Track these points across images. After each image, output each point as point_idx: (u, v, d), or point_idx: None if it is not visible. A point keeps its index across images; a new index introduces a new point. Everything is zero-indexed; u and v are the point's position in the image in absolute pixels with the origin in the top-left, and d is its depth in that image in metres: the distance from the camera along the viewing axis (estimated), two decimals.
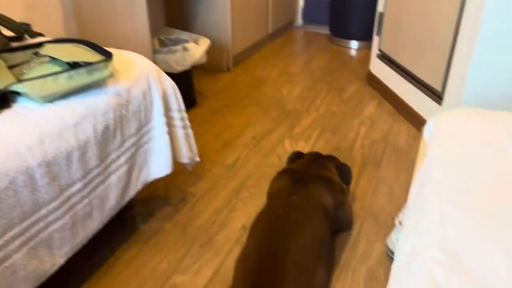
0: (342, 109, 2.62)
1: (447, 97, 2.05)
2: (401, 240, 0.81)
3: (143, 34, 2.35)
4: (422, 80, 2.26)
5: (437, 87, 2.12)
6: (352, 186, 1.91)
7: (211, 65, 3.18)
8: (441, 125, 1.11)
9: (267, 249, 1.28)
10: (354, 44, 3.70)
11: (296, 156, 1.76)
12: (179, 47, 2.45)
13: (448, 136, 1.04)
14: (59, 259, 1.24)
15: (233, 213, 1.76)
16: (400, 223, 1.53)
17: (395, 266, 0.77)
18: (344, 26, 3.68)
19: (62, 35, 2.46)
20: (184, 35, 2.72)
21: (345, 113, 2.57)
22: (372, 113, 2.56)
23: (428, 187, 0.87)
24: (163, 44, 2.69)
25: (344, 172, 1.68)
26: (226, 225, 1.70)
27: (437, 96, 2.14)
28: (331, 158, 1.73)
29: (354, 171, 2.02)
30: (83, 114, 1.27)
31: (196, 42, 2.62)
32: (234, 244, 1.60)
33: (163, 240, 1.62)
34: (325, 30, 4.14)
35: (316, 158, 1.71)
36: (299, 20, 4.33)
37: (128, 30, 2.37)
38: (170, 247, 1.59)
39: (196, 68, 3.03)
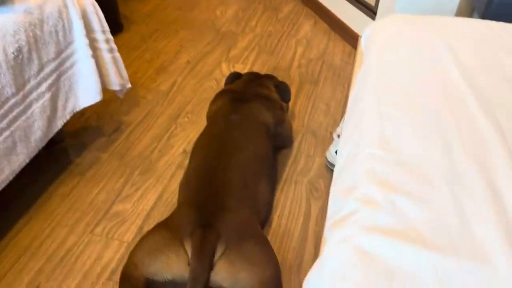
0: (278, 29, 2.56)
1: (380, 11, 2.05)
2: (340, 147, 0.82)
3: None
4: None
5: (370, 1, 2.11)
6: (291, 104, 1.92)
7: None
8: (376, 33, 1.11)
9: (209, 169, 1.27)
10: None
11: (234, 77, 1.72)
12: None
13: (383, 42, 1.04)
14: None
15: (173, 139, 1.72)
16: (339, 136, 1.57)
17: (335, 170, 0.79)
18: None
19: None
20: None
21: (282, 33, 2.51)
22: (308, 32, 2.53)
23: (366, 91, 0.87)
24: None
25: (283, 90, 1.66)
26: (166, 151, 1.66)
27: (370, 11, 2.14)
28: (269, 77, 1.71)
29: (293, 90, 2.01)
30: None
31: None
32: (176, 169, 1.57)
33: (100, 171, 1.56)
34: None
35: (254, 77, 1.67)
36: None
37: None
38: (108, 178, 1.53)
39: None
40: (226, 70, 2.16)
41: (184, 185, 1.29)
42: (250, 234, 1.14)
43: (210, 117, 1.54)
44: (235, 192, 1.22)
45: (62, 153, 1.63)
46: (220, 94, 1.59)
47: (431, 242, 0.59)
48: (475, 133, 0.76)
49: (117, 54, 1.58)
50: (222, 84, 2.04)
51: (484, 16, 1.31)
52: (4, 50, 1.14)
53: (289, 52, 2.33)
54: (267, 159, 1.40)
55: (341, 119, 1.84)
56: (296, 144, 1.71)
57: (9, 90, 1.18)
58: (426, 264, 0.57)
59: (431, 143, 0.74)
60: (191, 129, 1.77)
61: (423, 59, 0.97)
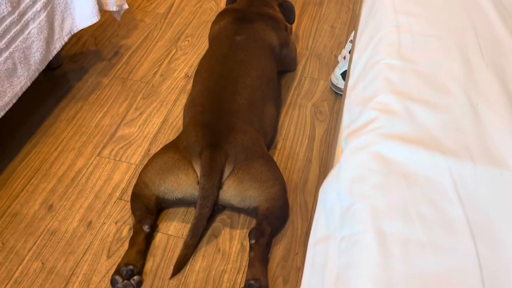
0: None
1: None
2: (355, 59, 0.81)
3: None
4: None
5: None
6: (294, 27, 1.85)
7: None
8: None
9: (215, 91, 1.25)
10: None
11: None
12: None
13: None
14: None
15: (174, 63, 1.68)
16: (344, 57, 1.54)
17: (350, 82, 0.77)
18: None
19: None
20: None
21: None
22: None
23: (382, 2, 0.84)
24: None
25: (288, 10, 1.60)
26: (168, 75, 1.63)
27: None
28: None
29: (296, 11, 1.94)
30: None
31: None
32: (179, 93, 1.55)
33: (103, 95, 1.54)
34: None
35: None
36: None
37: None
38: (111, 102, 1.51)
39: None
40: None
41: (190, 107, 1.28)
42: (257, 154, 1.16)
43: (213, 39, 1.49)
44: (242, 113, 1.21)
45: (62, 78, 1.60)
46: (222, 14, 1.52)
47: (447, 147, 0.60)
48: (494, 42, 0.74)
49: None
50: (222, 5, 1.95)
51: None
52: None
53: None
54: (272, 81, 1.39)
55: (346, 41, 1.79)
56: (300, 67, 1.68)
57: (4, 8, 1.12)
58: (442, 168, 0.58)
59: (448, 53, 0.72)
60: (192, 52, 1.73)
61: None
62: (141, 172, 1.17)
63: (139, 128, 1.43)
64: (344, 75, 1.52)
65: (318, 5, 1.99)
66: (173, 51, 1.73)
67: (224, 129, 1.16)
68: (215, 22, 1.52)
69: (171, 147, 1.18)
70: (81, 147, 1.36)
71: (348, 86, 0.77)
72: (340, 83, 1.54)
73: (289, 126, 1.47)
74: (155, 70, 1.64)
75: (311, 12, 1.95)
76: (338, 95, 1.57)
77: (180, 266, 1.06)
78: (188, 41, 1.78)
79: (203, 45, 1.75)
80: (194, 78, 1.38)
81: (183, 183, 1.12)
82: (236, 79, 1.27)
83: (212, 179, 1.08)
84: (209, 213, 1.08)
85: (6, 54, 1.16)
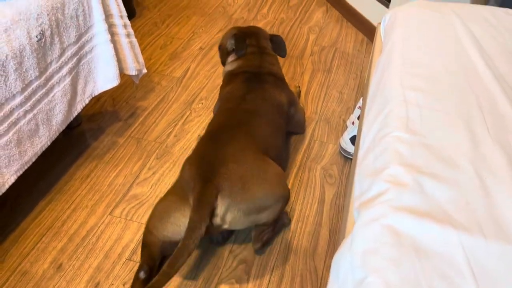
0: (290, 16, 2.55)
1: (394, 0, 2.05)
2: (364, 131, 0.84)
3: None
4: None
5: None
6: (304, 92, 1.93)
7: None
8: (397, 18, 1.11)
9: (215, 133, 1.29)
10: None
11: (240, 41, 1.62)
12: None
13: (404, 27, 1.05)
14: (9, 178, 1.18)
15: (188, 124, 1.74)
16: (353, 123, 1.59)
17: (360, 153, 0.80)
18: None
19: None
20: None
21: (294, 20, 2.51)
22: (320, 19, 2.53)
23: (390, 76, 0.89)
24: None
25: (278, 44, 1.68)
26: (182, 136, 1.68)
27: None
28: (264, 36, 1.68)
29: (305, 78, 2.03)
30: (13, 18, 1.12)
31: None
32: None
33: (118, 154, 1.58)
34: None
35: (257, 48, 1.63)
36: None
37: None
38: (125, 161, 1.55)
39: None
40: None
41: (191, 153, 1.29)
42: (255, 178, 1.13)
43: (225, 96, 1.53)
44: (238, 147, 1.20)
45: (80, 137, 1.65)
46: (232, 76, 1.59)
47: (458, 221, 0.61)
48: (499, 117, 0.77)
49: (134, 39, 1.60)
50: None
51: (502, 1, 1.31)
52: (28, 33, 1.16)
53: (302, 39, 2.33)
54: (277, 134, 1.40)
55: (354, 107, 1.85)
56: (309, 131, 1.73)
57: (32, 73, 1.20)
58: (454, 243, 0.59)
59: (455, 127, 0.76)
60: (206, 115, 1.79)
61: (445, 45, 0.98)
62: (147, 221, 1.19)
63: (151, 188, 1.46)
64: (353, 139, 1.56)
65: (327, 72, 2.08)
66: (188, 113, 1.79)
67: (216, 162, 1.14)
68: (225, 84, 1.59)
69: (170, 191, 1.22)
70: (93, 206, 1.38)
71: (358, 156, 0.80)
72: (349, 147, 1.57)
73: (298, 188, 1.48)
74: (169, 131, 1.69)
75: (320, 78, 2.03)
76: (347, 158, 1.59)
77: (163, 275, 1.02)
78: (202, 103, 1.85)
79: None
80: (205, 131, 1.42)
81: (182, 224, 1.11)
82: (240, 126, 1.29)
83: (199, 212, 1.06)
84: (193, 246, 1.04)
85: (30, 115, 1.22)
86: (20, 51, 1.14)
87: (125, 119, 1.75)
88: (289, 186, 1.48)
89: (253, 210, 1.13)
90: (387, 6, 2.11)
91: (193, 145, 1.63)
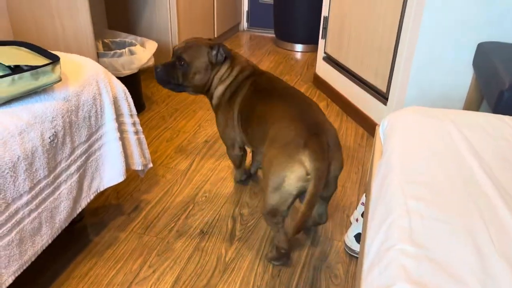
0: None
1: (392, 97, 2.15)
2: (368, 240, 0.84)
3: (86, 36, 2.24)
4: (367, 82, 2.36)
5: (382, 88, 2.22)
6: None
7: None
8: (395, 123, 1.16)
9: (296, 107, 1.40)
10: (299, 47, 3.79)
11: (225, 46, 1.60)
12: (125, 50, 2.36)
13: (403, 133, 1.09)
14: (7, 279, 1.15)
15: (191, 219, 1.73)
16: (357, 220, 1.58)
17: (365, 266, 0.79)
18: (289, 29, 3.75)
19: None
20: (129, 38, 2.63)
21: None
22: None
23: (391, 185, 0.91)
24: (107, 47, 2.58)
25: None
26: (184, 231, 1.66)
27: (382, 96, 2.24)
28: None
29: None
30: (29, 121, 1.18)
31: (143, 45, 2.55)
32: (193, 251, 1.57)
33: (119, 251, 1.55)
34: (270, 34, 4.20)
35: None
36: (244, 24, 4.36)
37: (68, 32, 2.25)
38: (126, 258, 1.52)
39: (144, 73, 2.96)
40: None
41: (277, 119, 1.38)
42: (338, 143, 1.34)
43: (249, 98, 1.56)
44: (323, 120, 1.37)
45: (82, 231, 1.64)
46: (239, 84, 1.61)
47: None
48: (501, 228, 0.77)
49: (142, 136, 1.66)
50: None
51: (495, 107, 1.38)
52: (42, 135, 1.21)
53: None
54: None
55: (357, 202, 1.85)
56: (313, 227, 1.71)
57: (41, 173, 1.23)
58: None
59: (459, 239, 0.75)
60: (209, 209, 1.79)
61: (443, 152, 1.01)
62: (264, 200, 1.36)
63: (151, 286, 1.41)
64: (358, 237, 1.54)
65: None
66: (191, 207, 1.80)
67: (317, 122, 1.31)
68: (236, 91, 1.60)
69: (272, 162, 1.29)
70: None
71: (363, 269, 0.79)
72: (354, 245, 1.54)
73: None
74: (171, 226, 1.68)
75: None
76: (352, 257, 1.56)
77: (298, 230, 1.29)
78: (206, 196, 1.87)
79: (220, 201, 1.83)
80: (239, 112, 1.57)
81: (295, 181, 1.26)
82: (301, 101, 1.45)
83: (326, 160, 1.21)
84: (320, 191, 1.21)
85: (35, 214, 1.23)
86: (32, 152, 1.18)
87: (129, 213, 1.75)
88: (294, 286, 1.43)
89: (339, 165, 1.34)
90: (385, 104, 2.21)
91: (195, 241, 1.61)
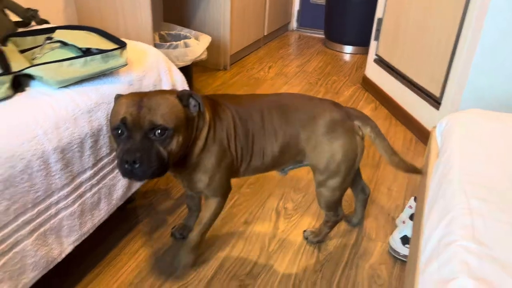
0: None
1: (445, 102, 2.10)
2: (426, 235, 0.83)
3: (145, 28, 2.34)
4: (420, 85, 2.32)
5: (436, 92, 2.17)
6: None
7: (208, 63, 3.18)
8: (454, 124, 1.14)
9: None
10: (348, 49, 3.76)
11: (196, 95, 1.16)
12: (180, 42, 2.44)
13: (463, 134, 1.07)
14: (67, 248, 1.22)
15: (235, 209, 1.76)
16: (404, 222, 1.56)
17: (422, 257, 0.79)
18: (339, 31, 3.73)
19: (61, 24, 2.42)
20: (184, 31, 2.71)
21: None
22: (369, 116, 2.60)
23: (451, 183, 0.89)
24: (163, 39, 2.67)
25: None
26: (229, 220, 1.70)
27: (434, 101, 2.19)
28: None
29: None
30: (97, 101, 1.25)
31: (197, 38, 2.62)
32: (237, 239, 1.60)
33: (166, 233, 1.61)
34: (319, 34, 4.19)
35: None
36: (294, 23, 4.37)
37: (129, 23, 2.35)
38: (173, 240, 1.58)
39: (194, 66, 3.03)
40: None
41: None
42: None
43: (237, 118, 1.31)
44: None
45: (132, 212, 1.71)
46: (217, 120, 1.27)
47: None
48: None
49: None
50: None
51: None
52: (107, 115, 1.28)
53: None
54: None
55: (403, 206, 1.82)
56: (357, 226, 1.70)
57: (104, 150, 1.30)
58: None
59: None
60: (253, 199, 1.82)
61: (505, 154, 0.99)
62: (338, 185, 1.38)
63: (195, 270, 1.45)
64: (404, 239, 1.52)
65: (375, 167, 2.09)
66: (236, 197, 1.83)
67: (324, 100, 1.41)
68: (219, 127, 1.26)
69: (338, 150, 1.33)
70: (138, 283, 1.39)
71: (420, 262, 0.78)
72: (399, 247, 1.53)
73: (345, 286, 1.43)
74: None
75: (368, 173, 2.04)
76: (397, 259, 1.54)
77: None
78: (250, 188, 1.89)
79: (264, 194, 1.85)
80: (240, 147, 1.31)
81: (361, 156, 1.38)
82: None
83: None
84: None
85: (96, 189, 1.30)
86: (98, 130, 1.25)
87: (176, 198, 1.80)
88: (335, 284, 1.43)
89: None
90: (437, 108, 2.16)
91: (239, 230, 1.64)
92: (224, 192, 1.35)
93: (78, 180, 1.22)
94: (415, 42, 2.35)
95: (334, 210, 1.49)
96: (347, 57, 3.67)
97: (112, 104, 1.29)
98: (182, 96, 1.12)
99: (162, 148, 1.07)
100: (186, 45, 2.45)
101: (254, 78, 3.12)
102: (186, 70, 2.50)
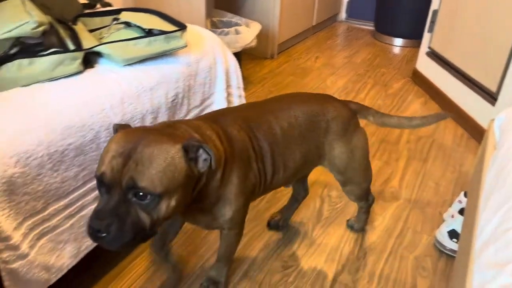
0: (387, 103, 2.62)
1: (502, 98, 2.03)
2: (482, 222, 0.83)
3: (199, 14, 2.40)
4: (475, 80, 2.24)
5: (492, 87, 2.10)
6: (398, 178, 1.92)
7: (256, 52, 3.21)
8: None
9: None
10: (398, 42, 3.67)
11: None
12: (232, 29, 2.48)
13: None
14: None
15: (279, 193, 1.79)
16: (453, 216, 1.53)
17: (478, 243, 0.79)
18: (390, 23, 3.65)
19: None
20: (235, 18, 2.76)
21: (391, 108, 2.57)
22: (418, 110, 2.55)
23: (510, 174, 0.88)
24: (215, 26, 2.73)
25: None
26: (273, 203, 1.73)
27: (490, 96, 2.12)
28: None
29: (400, 164, 2.03)
30: (158, 80, 1.32)
31: (247, 26, 2.66)
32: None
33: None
34: (368, 26, 4.11)
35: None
36: (343, 14, 4.32)
37: (183, 9, 2.42)
38: None
39: (243, 53, 3.07)
40: None
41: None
42: None
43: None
44: None
45: None
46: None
47: None
48: None
49: None
50: None
51: None
52: (166, 94, 1.34)
53: None
54: None
55: (451, 201, 1.79)
56: (402, 217, 1.69)
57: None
58: None
59: None
60: None
61: None
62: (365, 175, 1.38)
63: (242, 247, 1.50)
64: (451, 233, 1.50)
65: (423, 161, 2.06)
66: None
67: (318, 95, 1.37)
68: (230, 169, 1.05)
69: (357, 144, 1.30)
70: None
71: (475, 247, 0.78)
72: (446, 241, 1.51)
73: (388, 275, 1.43)
74: (262, 197, 1.76)
75: (415, 167, 2.01)
76: (442, 253, 1.52)
77: None
78: None
79: (309, 181, 1.87)
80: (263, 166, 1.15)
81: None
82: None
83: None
84: None
85: None
86: (158, 108, 1.32)
87: None
88: (378, 272, 1.44)
89: None
90: (493, 104, 2.09)
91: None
92: (243, 222, 1.18)
93: None
94: (472, 34, 2.27)
95: (365, 199, 1.49)
96: (397, 50, 3.60)
97: (171, 85, 1.36)
98: (189, 147, 0.86)
99: (144, 213, 0.83)
100: (237, 32, 2.49)
101: (301, 67, 3.12)
102: (235, 57, 2.55)
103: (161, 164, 0.82)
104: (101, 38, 1.36)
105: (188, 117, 1.48)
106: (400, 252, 1.53)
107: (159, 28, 1.36)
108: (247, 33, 2.53)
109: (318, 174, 1.92)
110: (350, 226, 1.63)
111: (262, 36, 3.09)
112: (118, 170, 0.81)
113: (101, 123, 1.13)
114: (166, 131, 0.91)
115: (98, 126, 1.12)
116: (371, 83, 2.91)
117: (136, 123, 1.24)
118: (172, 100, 1.37)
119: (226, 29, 2.47)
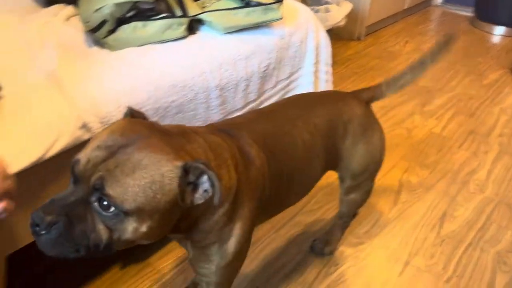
0: (481, 94, 2.47)
1: None
2: None
3: None
4: None
5: None
6: (486, 171, 1.83)
7: (343, 32, 3.16)
8: None
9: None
10: (499, 30, 3.40)
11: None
12: (322, 7, 2.48)
13: None
14: None
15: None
16: None
17: None
18: (493, 9, 3.38)
19: None
20: None
21: (485, 98, 2.42)
22: None
23: None
24: (305, 3, 2.73)
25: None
26: None
27: None
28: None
29: (490, 157, 1.92)
30: (253, 49, 1.38)
31: (338, 4, 2.63)
32: None
33: None
34: (467, 12, 3.85)
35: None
36: None
37: None
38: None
39: (330, 32, 3.05)
40: (418, 121, 2.18)
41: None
42: None
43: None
44: None
45: None
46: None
47: None
48: None
49: (331, 85, 1.76)
50: (413, 134, 2.06)
51: None
52: (259, 64, 1.40)
53: (491, 118, 2.22)
54: None
55: None
56: (487, 210, 1.62)
57: (252, 96, 1.43)
58: None
59: None
60: None
61: None
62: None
63: (310, 224, 1.54)
64: None
65: None
66: None
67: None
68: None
69: (376, 143, 1.18)
70: None
71: None
72: None
73: (466, 265, 1.39)
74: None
75: (507, 162, 1.90)
76: None
77: None
78: None
79: (388, 164, 1.85)
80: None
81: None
82: None
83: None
84: None
85: None
86: (251, 76, 1.38)
87: None
88: (455, 260, 1.41)
89: None
90: None
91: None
92: (231, 283, 0.94)
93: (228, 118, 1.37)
94: None
95: (356, 212, 1.35)
96: (496, 39, 3.34)
97: (264, 55, 1.41)
98: (191, 169, 0.67)
99: (104, 226, 0.65)
100: (327, 10, 2.48)
101: (388, 51, 3.03)
102: None
103: (144, 177, 0.63)
104: (203, 7, 1.45)
105: (275, 89, 1.53)
106: (480, 245, 1.47)
107: (256, 0, 1.42)
108: (337, 12, 2.51)
109: (397, 159, 1.89)
110: (317, 251, 1.40)
111: (351, 17, 3.04)
112: (94, 164, 0.64)
113: (200, 85, 1.22)
114: (176, 140, 0.71)
115: (197, 87, 1.21)
116: (463, 71, 2.74)
117: (230, 89, 1.32)
118: (264, 70, 1.43)
119: (316, 7, 2.47)
